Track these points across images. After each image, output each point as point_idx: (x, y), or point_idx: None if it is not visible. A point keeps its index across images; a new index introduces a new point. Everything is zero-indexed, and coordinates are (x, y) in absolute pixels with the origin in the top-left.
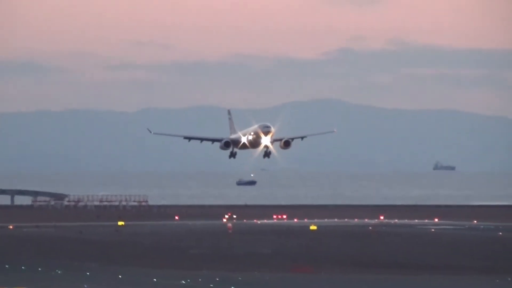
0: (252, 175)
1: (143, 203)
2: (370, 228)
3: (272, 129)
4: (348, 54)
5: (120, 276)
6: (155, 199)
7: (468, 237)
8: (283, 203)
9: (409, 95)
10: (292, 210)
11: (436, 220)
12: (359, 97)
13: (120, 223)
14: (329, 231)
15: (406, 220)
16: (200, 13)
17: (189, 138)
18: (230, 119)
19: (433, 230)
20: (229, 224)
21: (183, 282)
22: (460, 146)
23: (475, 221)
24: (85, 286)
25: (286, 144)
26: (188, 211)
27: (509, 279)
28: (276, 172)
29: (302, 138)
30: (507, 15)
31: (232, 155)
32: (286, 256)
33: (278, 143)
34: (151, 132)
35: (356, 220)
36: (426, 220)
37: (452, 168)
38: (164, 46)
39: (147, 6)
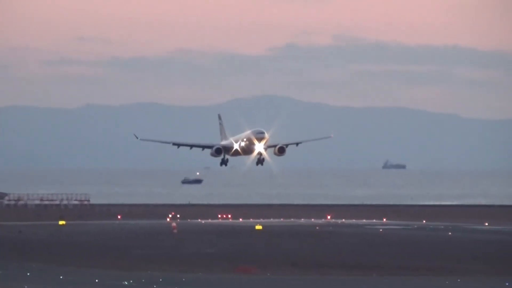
0: (198, 173)
1: (85, 202)
2: (317, 228)
3: (266, 135)
4: (295, 50)
5: (61, 277)
6: (98, 197)
7: (417, 237)
8: (228, 202)
9: (358, 92)
10: (237, 209)
11: (384, 220)
12: (306, 94)
13: (61, 222)
14: (274, 231)
15: (353, 220)
16: (143, 8)
17: (178, 145)
18: (220, 124)
19: (381, 230)
20: (174, 224)
21: (126, 283)
22: (410, 144)
23: (424, 221)
24: (25, 286)
25: (281, 150)
26: (132, 210)
27: (459, 280)
28: (222, 170)
29: (297, 144)
30: (454, 11)
31: (224, 162)
32: (231, 256)
33: (272, 149)
34: (137, 138)
35: (302, 219)
36: (374, 220)
37: (403, 167)
38: (106, 42)
39: (90, 1)
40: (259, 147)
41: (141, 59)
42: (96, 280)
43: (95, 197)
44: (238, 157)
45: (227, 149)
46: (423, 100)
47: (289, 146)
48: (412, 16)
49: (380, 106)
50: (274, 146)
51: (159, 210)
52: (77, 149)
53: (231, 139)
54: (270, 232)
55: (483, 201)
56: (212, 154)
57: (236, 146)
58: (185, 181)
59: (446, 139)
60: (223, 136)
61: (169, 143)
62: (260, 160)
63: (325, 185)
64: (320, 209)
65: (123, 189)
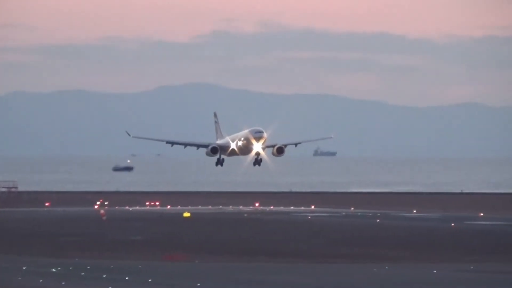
0: (128, 161)
1: (13, 189)
2: (245, 215)
3: (265, 135)
4: (221, 37)
5: None
6: (26, 185)
7: (345, 224)
8: (157, 189)
9: (285, 79)
10: (165, 196)
11: (313, 207)
12: (234, 81)
13: None
14: (202, 218)
15: (282, 207)
16: None
17: (172, 143)
18: (216, 122)
19: (309, 217)
20: (102, 211)
21: (54, 270)
22: (340, 131)
23: (352, 208)
24: None
25: (279, 151)
26: (60, 197)
27: (386, 267)
28: (151, 157)
29: (296, 144)
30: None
31: (219, 162)
32: (159, 244)
33: (270, 149)
34: (129, 135)
35: (231, 207)
36: (303, 208)
37: (333, 154)
38: (32, 29)
39: None
40: (257, 147)
41: (68, 46)
42: (24, 267)
43: (23, 184)
44: (233, 157)
45: (223, 148)
46: (351, 87)
47: (287, 147)
48: (339, 3)
49: (308, 93)
50: (273, 146)
51: (88, 197)
52: (4, 137)
53: (228, 138)
54: (198, 220)
55: (412, 189)
56: (207, 154)
57: (233, 146)
58: (116, 168)
59: (374, 126)
60: (219, 135)
61: (162, 141)
62: (257, 161)
63: (253, 172)
64: (248, 197)
65: (52, 176)
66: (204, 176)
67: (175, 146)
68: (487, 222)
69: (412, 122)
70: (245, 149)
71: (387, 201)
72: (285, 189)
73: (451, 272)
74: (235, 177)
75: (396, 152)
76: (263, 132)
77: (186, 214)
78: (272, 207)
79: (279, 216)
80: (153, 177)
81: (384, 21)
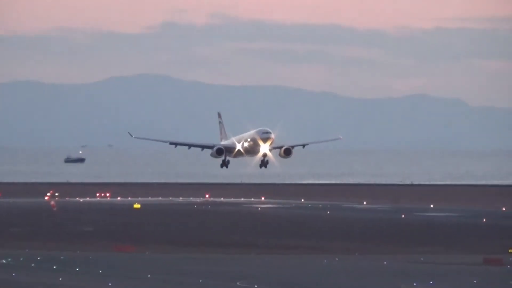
0: (80, 152)
1: None
2: (195, 206)
3: (272, 135)
4: (172, 28)
5: None
6: None
7: (295, 215)
8: (108, 180)
9: (236, 70)
10: (116, 188)
11: (263, 198)
12: (185, 72)
13: None
14: (153, 210)
15: (232, 199)
16: None
17: (175, 144)
18: (220, 122)
19: (259, 208)
20: (53, 202)
21: (4, 261)
22: (291, 122)
23: (303, 200)
24: None
25: (287, 152)
26: (11, 188)
27: (337, 258)
28: (102, 149)
29: (303, 146)
30: None
31: (225, 164)
32: (109, 235)
33: (276, 151)
34: (132, 136)
35: (181, 198)
36: (253, 199)
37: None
38: None
39: None
40: (264, 148)
41: (18, 36)
42: None
43: None
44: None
45: (229, 149)
46: (301, 78)
47: (295, 148)
48: None
49: (259, 85)
50: (280, 147)
51: (39, 189)
52: None
53: (233, 139)
54: (148, 211)
55: (362, 180)
56: (212, 155)
57: (238, 147)
58: (68, 160)
59: (325, 117)
60: (223, 135)
61: (165, 142)
62: (264, 163)
63: (204, 163)
64: (199, 188)
65: (3, 167)
66: (156, 167)
67: (178, 147)
68: (438, 214)
69: (362, 113)
70: (252, 150)
71: (338, 193)
72: (236, 180)
73: (402, 263)
74: (185, 168)
75: (347, 144)
76: (270, 132)
77: (136, 206)
78: (222, 198)
79: (229, 208)
80: (105, 169)
81: (334, 13)
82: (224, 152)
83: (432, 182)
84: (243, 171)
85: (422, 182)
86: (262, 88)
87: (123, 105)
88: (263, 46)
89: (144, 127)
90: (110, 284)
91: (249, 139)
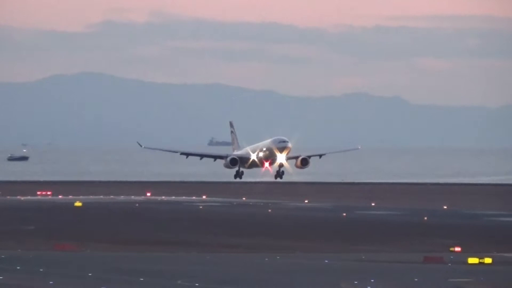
0: (24, 150)
1: None
2: (137, 205)
3: (289, 145)
4: (112, 26)
5: None
6: None
7: (237, 214)
8: (49, 179)
9: (176, 69)
10: (58, 186)
11: (204, 197)
12: (126, 70)
13: None
14: (94, 208)
15: (173, 197)
16: None
17: (187, 155)
18: (232, 132)
19: (201, 207)
20: None
21: None
22: (235, 121)
23: (244, 198)
24: None
25: (304, 162)
26: None
27: (278, 257)
28: (42, 146)
29: (320, 156)
30: None
31: (238, 174)
32: (50, 233)
33: (292, 161)
34: (141, 146)
35: (122, 197)
36: (194, 197)
37: (228, 144)
38: None
39: None
40: (281, 158)
41: None
42: None
43: None
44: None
45: (243, 160)
46: (242, 77)
47: (311, 158)
48: None
49: (199, 83)
50: (296, 157)
51: None
52: None
53: (248, 149)
54: (89, 209)
55: (303, 178)
56: (226, 166)
57: (253, 157)
58: (11, 158)
59: (266, 116)
60: (235, 145)
61: (176, 152)
62: (279, 173)
63: (145, 162)
64: (140, 186)
65: None
66: (97, 166)
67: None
68: (379, 212)
69: (302, 112)
70: (267, 160)
71: (279, 191)
72: (178, 178)
73: (343, 261)
74: (125, 166)
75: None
76: (287, 141)
77: (78, 204)
78: (163, 197)
79: (170, 206)
80: (47, 167)
81: (274, 10)
82: (238, 163)
83: (373, 180)
84: (183, 169)
85: (364, 180)
86: (203, 87)
87: (64, 103)
88: (203, 45)
89: (87, 126)
90: (51, 283)
91: (264, 149)
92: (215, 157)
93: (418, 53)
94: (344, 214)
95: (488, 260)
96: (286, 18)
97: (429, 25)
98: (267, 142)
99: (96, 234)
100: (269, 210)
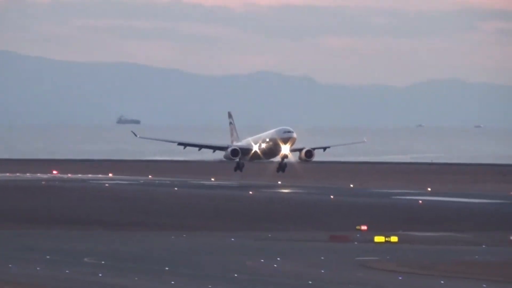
0: None
1: None
2: (43, 182)
3: (294, 135)
4: (18, 4)
5: None
6: None
7: (143, 192)
8: None
9: (83, 47)
10: None
11: (111, 175)
12: (31, 48)
13: None
14: None
15: (80, 175)
16: None
17: (185, 145)
18: (231, 123)
19: (107, 184)
20: None
21: None
22: (143, 99)
23: (151, 176)
24: None
25: (308, 155)
26: None
27: (184, 235)
28: None
29: (324, 148)
30: None
31: (239, 167)
32: None
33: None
34: (136, 136)
35: (28, 174)
36: (101, 175)
37: (137, 122)
38: None
39: None
40: (285, 149)
41: None
42: None
43: None
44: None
45: (245, 151)
46: (149, 55)
47: (314, 150)
48: None
49: (107, 61)
50: (300, 149)
51: None
52: None
53: (249, 140)
54: None
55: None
56: (226, 157)
57: (255, 148)
58: None
59: (174, 94)
60: (234, 137)
61: (174, 142)
62: (281, 166)
63: (53, 140)
64: (46, 164)
65: None
66: (2, 143)
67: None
68: (285, 190)
69: (210, 90)
70: (270, 152)
71: (185, 170)
72: (86, 157)
73: (249, 240)
74: (30, 144)
75: (196, 120)
76: (292, 132)
77: None
78: (69, 174)
79: (76, 184)
80: None
81: None
82: (239, 154)
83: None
84: (91, 147)
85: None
86: (110, 65)
87: None
88: (110, 23)
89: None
90: None
91: (267, 140)
92: (215, 148)
93: (325, 32)
94: (251, 192)
95: (394, 239)
96: None
97: (335, 4)
98: (271, 132)
99: (1, 212)
100: (175, 188)
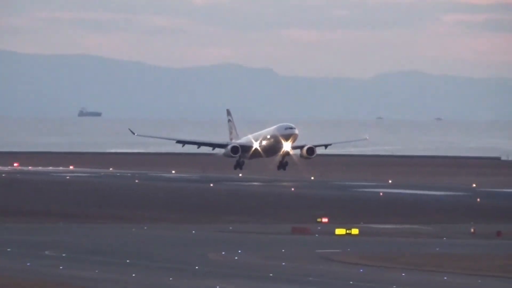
0: None
1: None
2: (4, 175)
3: (296, 131)
4: None
5: None
6: None
7: (104, 184)
8: None
9: (46, 39)
10: None
11: (72, 167)
12: None
13: None
14: None
15: (40, 168)
16: None
17: (184, 143)
18: (230, 120)
19: (68, 177)
20: None
21: None
22: (104, 91)
23: (111, 168)
24: None
25: (310, 152)
26: None
27: (146, 228)
28: None
29: (326, 146)
30: None
31: (239, 164)
32: None
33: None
34: (134, 134)
35: None
36: (61, 168)
37: (98, 114)
38: None
39: None
40: (286, 146)
41: None
42: None
43: None
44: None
45: (245, 148)
46: (110, 48)
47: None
48: None
49: (69, 54)
50: (301, 147)
51: None
52: None
53: (250, 137)
54: None
55: (172, 149)
56: (226, 154)
57: (255, 145)
58: None
59: (135, 87)
60: (233, 135)
61: (172, 140)
62: (282, 164)
63: (13, 132)
64: (7, 157)
65: None
66: None
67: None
68: (247, 183)
69: (171, 82)
70: (271, 149)
71: (146, 162)
72: (47, 149)
73: (210, 232)
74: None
75: (160, 113)
76: (294, 128)
77: None
78: (30, 167)
79: (37, 176)
80: None
81: None
82: (239, 151)
83: None
84: (51, 139)
85: None
86: (71, 58)
87: None
88: (72, 15)
89: None
90: None
91: (268, 136)
92: (214, 146)
93: (287, 24)
94: (212, 184)
95: (355, 231)
96: None
97: None
98: (272, 129)
99: None
100: (136, 181)
